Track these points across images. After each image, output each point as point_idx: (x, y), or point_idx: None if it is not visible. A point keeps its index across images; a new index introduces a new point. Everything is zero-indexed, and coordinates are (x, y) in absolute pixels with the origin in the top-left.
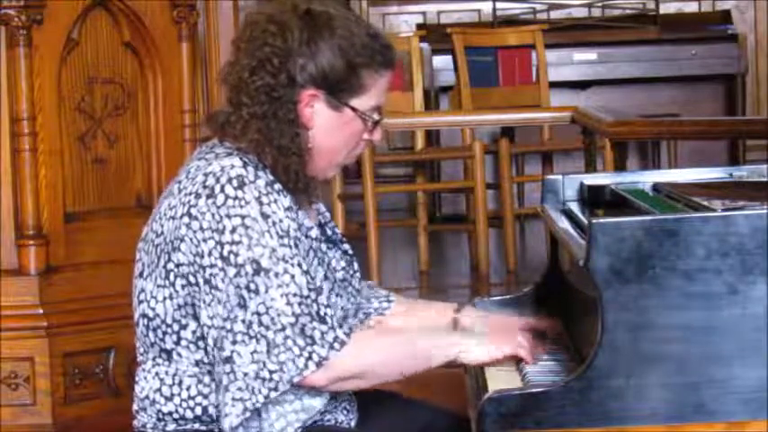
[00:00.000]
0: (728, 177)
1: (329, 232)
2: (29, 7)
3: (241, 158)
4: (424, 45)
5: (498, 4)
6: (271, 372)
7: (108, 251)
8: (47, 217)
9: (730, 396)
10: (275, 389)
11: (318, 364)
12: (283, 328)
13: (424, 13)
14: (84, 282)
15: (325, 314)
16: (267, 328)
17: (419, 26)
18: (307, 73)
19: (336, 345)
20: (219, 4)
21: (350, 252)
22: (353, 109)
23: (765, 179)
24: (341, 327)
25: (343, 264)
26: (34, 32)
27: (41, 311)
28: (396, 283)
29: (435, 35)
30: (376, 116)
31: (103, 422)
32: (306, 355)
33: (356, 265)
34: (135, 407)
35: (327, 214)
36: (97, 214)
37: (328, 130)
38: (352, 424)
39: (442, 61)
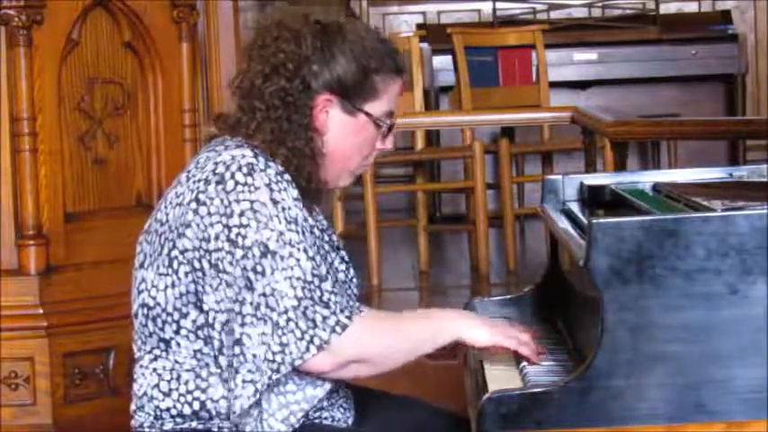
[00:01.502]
0: (728, 177)
1: (327, 238)
2: (29, 7)
3: (252, 149)
4: (424, 45)
5: (498, 4)
6: (274, 353)
7: (108, 251)
8: (47, 217)
9: (730, 396)
10: (277, 370)
11: (320, 348)
12: (286, 311)
13: (424, 13)
14: (84, 282)
15: (329, 299)
16: (272, 309)
17: (419, 26)
18: (322, 79)
19: (338, 328)
20: (219, 4)
21: (346, 259)
22: (368, 114)
23: (765, 179)
24: (342, 312)
25: (342, 267)
26: (34, 32)
27: (41, 311)
28: (396, 283)
29: (435, 35)
30: (389, 121)
31: (103, 422)
32: (308, 338)
33: (353, 272)
34: (133, 406)
35: (325, 222)
36: (97, 214)
37: (343, 135)
38: (350, 422)
39: (441, 61)
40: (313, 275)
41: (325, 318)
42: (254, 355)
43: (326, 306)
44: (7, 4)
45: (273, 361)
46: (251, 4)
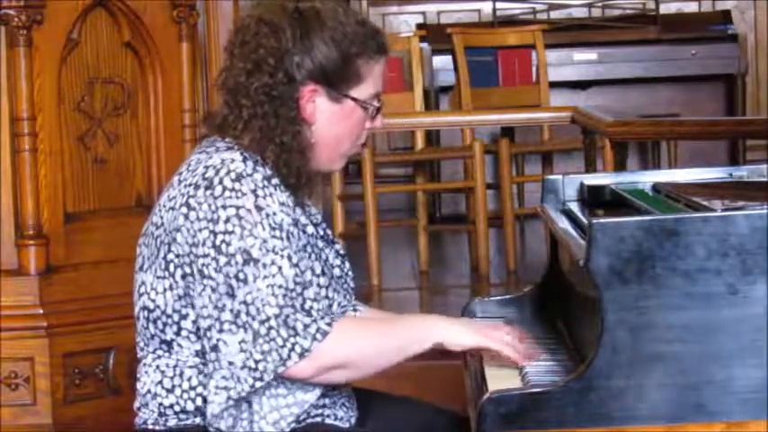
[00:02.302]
0: (728, 177)
1: (321, 232)
2: (29, 7)
3: (242, 153)
4: (424, 45)
5: (498, 4)
6: (256, 362)
7: (108, 251)
8: (47, 217)
9: (730, 396)
10: (260, 378)
11: (301, 356)
12: (267, 319)
13: (424, 13)
14: (84, 282)
15: (311, 307)
16: (253, 318)
17: (419, 26)
18: (304, 69)
19: (319, 335)
20: (219, 4)
21: (342, 252)
22: (354, 99)
23: (765, 179)
24: (323, 318)
25: (338, 262)
26: (34, 32)
27: (41, 311)
28: (396, 283)
29: (435, 35)
30: (376, 103)
31: (103, 422)
32: (289, 346)
33: (348, 265)
34: (137, 404)
35: (319, 216)
36: (97, 214)
37: (331, 122)
38: (352, 420)
39: (441, 61)
40: (295, 283)
41: (306, 326)
42: (231, 363)
43: (308, 314)
44: (7, 4)
45: (256, 369)
46: (251, 3)
